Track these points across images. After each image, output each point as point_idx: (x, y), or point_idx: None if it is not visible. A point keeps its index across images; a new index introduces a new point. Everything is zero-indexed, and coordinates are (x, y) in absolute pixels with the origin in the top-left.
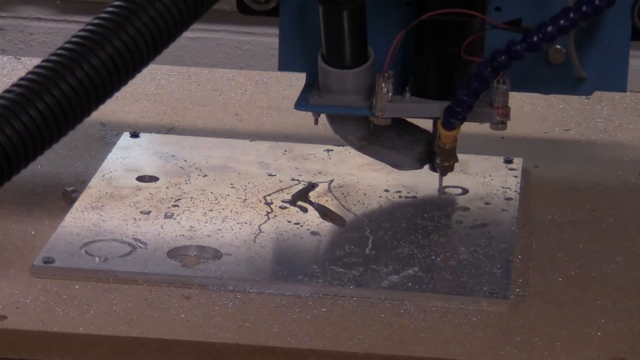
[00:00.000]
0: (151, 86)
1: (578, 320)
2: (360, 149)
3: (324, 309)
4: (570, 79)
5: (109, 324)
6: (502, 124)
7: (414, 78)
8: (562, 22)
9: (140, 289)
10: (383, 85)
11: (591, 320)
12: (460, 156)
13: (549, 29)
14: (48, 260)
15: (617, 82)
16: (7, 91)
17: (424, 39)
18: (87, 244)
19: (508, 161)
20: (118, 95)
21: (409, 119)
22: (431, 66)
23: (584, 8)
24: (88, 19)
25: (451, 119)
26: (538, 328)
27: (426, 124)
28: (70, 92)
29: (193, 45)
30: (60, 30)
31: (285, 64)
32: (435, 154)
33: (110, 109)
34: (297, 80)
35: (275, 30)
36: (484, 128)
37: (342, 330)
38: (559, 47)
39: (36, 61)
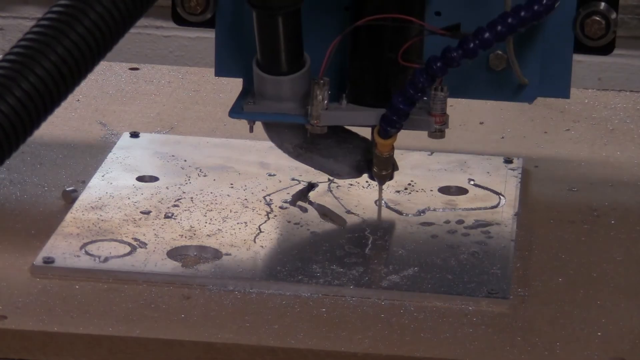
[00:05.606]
0: (151, 86)
1: (578, 320)
2: (297, 157)
3: (324, 309)
4: (511, 85)
5: (109, 324)
6: (440, 132)
7: (350, 85)
8: (499, 27)
9: (140, 289)
10: (318, 92)
11: (591, 320)
12: (460, 156)
13: (486, 35)
14: (48, 260)
15: (560, 89)
16: None
17: (361, 44)
18: (87, 244)
19: (508, 161)
20: (118, 95)
21: (348, 127)
22: (368, 72)
23: (522, 13)
24: None
25: (387, 128)
26: (538, 328)
27: (365, 132)
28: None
29: (193, 45)
30: None
31: (221, 70)
32: (373, 163)
33: (110, 109)
34: None
35: None
36: (484, 128)
37: (342, 330)
38: (500, 52)
39: None
